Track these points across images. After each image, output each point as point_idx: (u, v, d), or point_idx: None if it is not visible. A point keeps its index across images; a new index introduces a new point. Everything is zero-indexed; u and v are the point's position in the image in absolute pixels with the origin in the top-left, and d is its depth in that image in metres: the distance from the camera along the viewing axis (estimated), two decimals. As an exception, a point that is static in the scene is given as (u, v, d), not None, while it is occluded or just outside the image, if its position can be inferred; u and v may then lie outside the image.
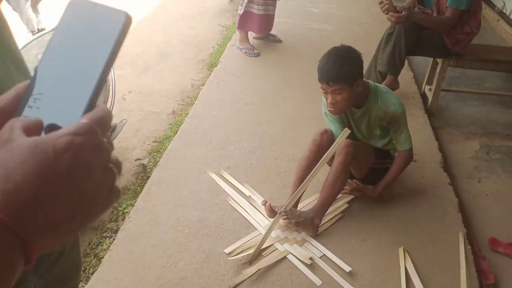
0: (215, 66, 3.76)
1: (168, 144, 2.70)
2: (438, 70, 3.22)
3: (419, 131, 2.90)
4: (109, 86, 2.37)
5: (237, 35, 4.09)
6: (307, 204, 2.23)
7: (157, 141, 2.93)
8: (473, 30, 2.98)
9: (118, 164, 0.38)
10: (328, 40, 4.23)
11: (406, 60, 3.78)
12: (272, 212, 2.03)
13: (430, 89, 3.37)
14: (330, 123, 2.17)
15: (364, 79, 2.02)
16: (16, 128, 0.34)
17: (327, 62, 1.90)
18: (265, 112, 3.07)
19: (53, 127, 0.36)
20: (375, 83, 2.13)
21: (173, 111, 3.30)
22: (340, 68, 1.87)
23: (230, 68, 3.69)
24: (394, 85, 3.09)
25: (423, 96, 3.46)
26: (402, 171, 2.20)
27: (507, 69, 3.49)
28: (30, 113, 0.38)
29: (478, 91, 3.64)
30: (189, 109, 3.14)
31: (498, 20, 4.98)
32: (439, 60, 3.22)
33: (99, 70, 0.37)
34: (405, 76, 3.63)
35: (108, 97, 2.36)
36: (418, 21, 2.88)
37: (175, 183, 2.34)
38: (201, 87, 3.47)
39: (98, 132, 0.36)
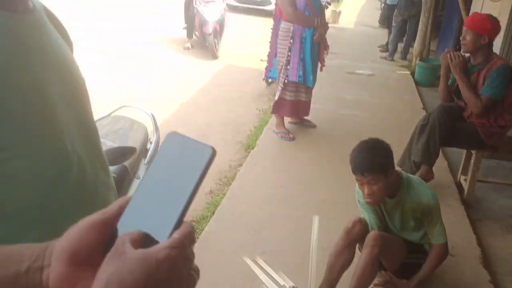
0: (252, 148, 3.93)
1: (205, 225, 2.78)
2: (472, 161, 3.24)
3: (456, 223, 2.87)
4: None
5: (273, 119, 4.31)
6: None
7: (194, 221, 3.02)
8: (507, 124, 3.04)
9: (197, 271, 0.48)
10: (361, 126, 4.38)
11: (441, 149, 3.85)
12: None
13: (465, 180, 3.37)
14: (364, 212, 2.20)
15: (396, 169, 2.08)
16: (126, 241, 0.44)
17: (360, 154, 1.98)
18: (299, 196, 3.14)
19: (148, 238, 0.46)
20: (408, 174, 2.18)
21: (211, 190, 3.42)
22: (373, 159, 1.94)
23: (266, 151, 3.85)
24: (428, 176, 3.12)
25: (459, 187, 3.45)
26: (437, 266, 2.16)
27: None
28: (130, 225, 0.47)
29: (515, 183, 3.61)
30: (226, 189, 3.25)
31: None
32: (473, 151, 3.25)
33: (188, 194, 0.48)
34: (440, 165, 3.65)
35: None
36: (458, 80, 3.03)
37: (210, 266, 2.37)
38: (238, 168, 3.61)
39: (187, 245, 0.45)
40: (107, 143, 2.10)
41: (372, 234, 2.04)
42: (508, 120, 3.04)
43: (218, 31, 7.12)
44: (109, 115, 2.34)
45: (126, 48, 7.15)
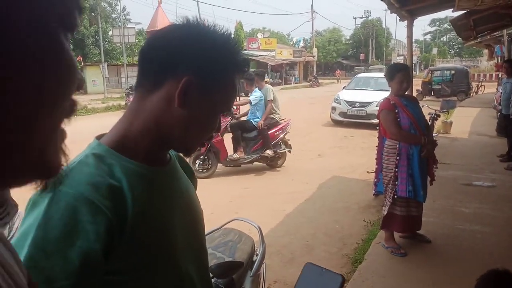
0: (360, 262, 3.75)
1: None
2: None
3: None
4: (260, 280, 2.55)
5: (382, 233, 4.12)
6: None
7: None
8: None
9: None
10: (483, 243, 3.95)
11: None
12: None
13: None
14: None
15: None
16: None
17: None
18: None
19: None
20: None
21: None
22: None
23: (375, 267, 3.64)
24: None
25: None
26: None
27: None
28: None
29: None
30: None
31: None
32: None
33: None
34: None
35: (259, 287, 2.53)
36: None
37: None
38: (345, 285, 3.43)
39: None
40: (217, 254, 2.27)
41: None
42: None
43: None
44: (220, 227, 2.55)
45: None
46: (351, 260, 3.99)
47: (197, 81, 0.81)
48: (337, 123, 13.16)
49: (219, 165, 7.25)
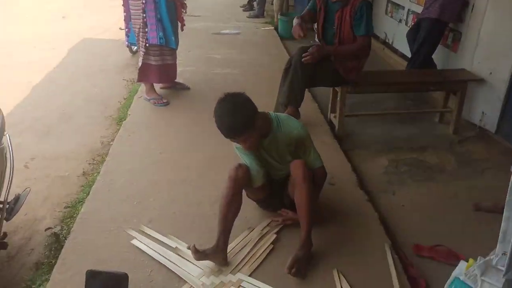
0: (124, 120, 3.65)
1: (81, 208, 2.50)
2: (338, 98, 3.45)
3: (331, 156, 3.03)
4: (5, 154, 2.15)
5: (143, 87, 4.04)
6: (237, 244, 2.18)
7: (69, 206, 2.71)
8: (361, 58, 3.25)
9: None
10: (234, 82, 4.36)
11: (309, 92, 4.02)
12: (199, 254, 1.96)
13: (335, 117, 3.58)
14: (243, 156, 2.20)
15: (263, 111, 2.09)
16: None
17: (222, 123, 1.92)
18: (181, 159, 3.02)
19: None
20: (276, 113, 2.22)
21: (84, 172, 3.09)
22: (235, 121, 1.90)
23: (140, 120, 3.61)
24: (295, 116, 3.22)
25: (330, 124, 3.66)
26: (322, 187, 2.32)
27: (397, 90, 3.86)
28: None
29: (377, 112, 3.95)
30: (100, 167, 2.97)
31: (384, 49, 5.54)
32: (338, 89, 3.45)
33: None
34: (310, 106, 3.84)
35: (5, 168, 2.14)
36: (332, 52, 3.14)
37: (93, 247, 2.15)
38: (111, 143, 3.32)
39: None
40: None
41: (294, 164, 2.10)
42: (362, 55, 3.25)
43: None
44: None
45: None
46: (115, 120, 3.84)
47: None
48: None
49: None
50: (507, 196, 1.01)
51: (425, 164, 3.21)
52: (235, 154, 2.28)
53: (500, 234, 1.03)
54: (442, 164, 3.22)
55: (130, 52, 5.48)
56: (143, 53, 3.72)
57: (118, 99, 4.27)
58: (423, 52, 3.97)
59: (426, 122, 3.84)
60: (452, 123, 3.62)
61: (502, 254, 0.98)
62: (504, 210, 1.04)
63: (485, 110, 3.54)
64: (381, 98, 4.19)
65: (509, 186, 0.99)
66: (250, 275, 1.98)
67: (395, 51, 5.27)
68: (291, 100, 3.22)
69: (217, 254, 2.02)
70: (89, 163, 3.20)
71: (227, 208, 2.06)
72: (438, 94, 4.06)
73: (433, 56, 4.06)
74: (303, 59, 3.08)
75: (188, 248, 2.00)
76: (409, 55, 4.32)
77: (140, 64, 3.76)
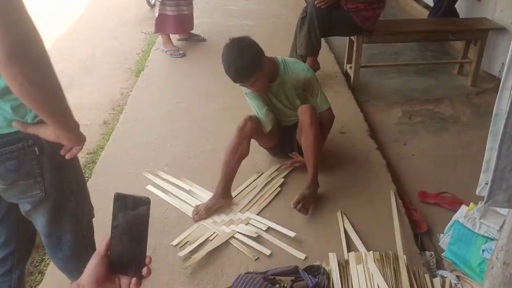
0: (142, 71, 3.73)
1: (102, 152, 2.65)
2: (354, 48, 3.41)
3: (345, 107, 3.07)
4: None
5: (160, 39, 4.09)
6: (246, 186, 2.30)
7: (91, 153, 2.86)
8: (379, 5, 3.19)
9: None
10: (250, 34, 4.23)
11: (326, 43, 3.99)
12: (203, 212, 2.07)
13: (351, 67, 3.56)
14: (252, 102, 2.25)
15: (269, 56, 2.13)
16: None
17: (230, 66, 1.97)
18: (198, 109, 3.11)
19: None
20: (282, 57, 2.25)
21: (104, 121, 3.23)
22: (243, 64, 1.94)
23: (157, 71, 3.68)
24: (315, 66, 3.24)
25: (346, 75, 3.65)
26: (330, 129, 2.38)
27: (415, 39, 3.77)
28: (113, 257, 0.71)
29: (394, 63, 3.90)
30: (120, 116, 3.10)
31: (406, -2, 5.36)
32: (354, 39, 3.41)
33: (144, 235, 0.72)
34: (327, 58, 3.82)
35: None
36: None
37: (113, 188, 2.30)
38: (130, 94, 3.43)
39: None
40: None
41: (301, 109, 2.15)
42: (379, 2, 3.18)
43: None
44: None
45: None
46: (134, 72, 3.94)
47: None
48: None
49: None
50: (490, 126, 1.05)
51: (440, 115, 3.20)
52: (249, 106, 2.34)
53: (484, 164, 1.07)
54: (457, 115, 3.20)
55: (148, 5, 5.48)
56: (159, 4, 3.73)
57: (137, 52, 4.35)
58: (446, 1, 3.84)
59: (445, 74, 3.78)
60: (471, 75, 3.55)
61: (485, 184, 1.03)
62: (487, 140, 1.08)
63: (505, 61, 3.44)
64: (401, 49, 4.12)
65: (493, 116, 1.02)
66: (258, 214, 2.11)
67: (418, 0, 5.09)
68: (309, 50, 3.22)
69: (218, 201, 2.12)
70: (110, 113, 3.33)
71: (231, 156, 2.14)
72: (459, 46, 3.95)
73: (456, 6, 3.93)
74: (316, 3, 3.05)
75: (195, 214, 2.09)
76: (432, 5, 4.18)
77: (156, 15, 3.79)
